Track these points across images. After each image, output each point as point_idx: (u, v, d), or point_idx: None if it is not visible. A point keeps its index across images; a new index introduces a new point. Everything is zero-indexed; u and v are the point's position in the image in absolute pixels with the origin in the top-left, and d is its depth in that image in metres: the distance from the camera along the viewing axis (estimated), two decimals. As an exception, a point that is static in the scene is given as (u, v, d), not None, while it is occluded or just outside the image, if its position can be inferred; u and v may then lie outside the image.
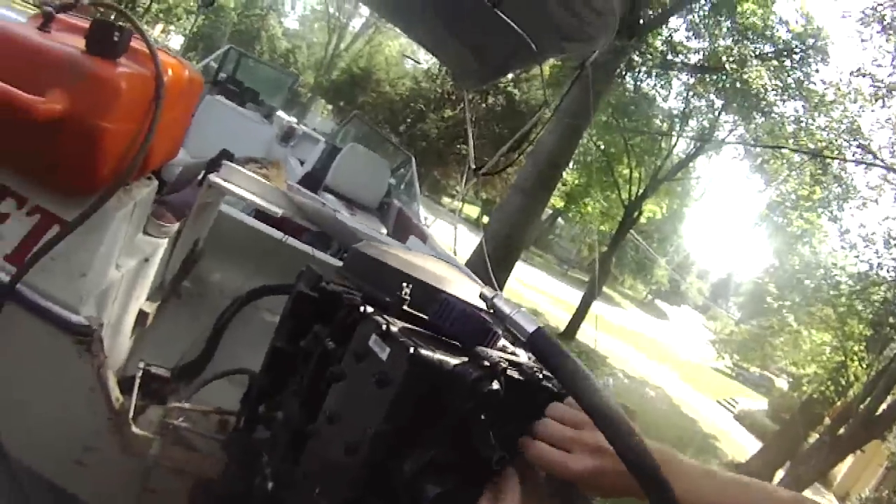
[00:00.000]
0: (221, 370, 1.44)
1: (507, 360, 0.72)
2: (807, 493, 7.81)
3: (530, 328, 0.69)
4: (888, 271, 10.59)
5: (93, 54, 1.03)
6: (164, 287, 1.79)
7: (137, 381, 1.49)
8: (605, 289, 22.38)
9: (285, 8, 35.49)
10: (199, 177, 1.68)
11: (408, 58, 26.76)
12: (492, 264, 8.97)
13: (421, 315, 0.81)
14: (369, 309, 0.80)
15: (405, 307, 0.81)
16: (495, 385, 0.66)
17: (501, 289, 10.24)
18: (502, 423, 0.68)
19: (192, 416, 1.49)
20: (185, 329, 1.67)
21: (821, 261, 12.03)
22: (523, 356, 0.85)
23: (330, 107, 29.85)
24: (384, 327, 0.71)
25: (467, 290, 0.97)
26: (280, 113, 7.80)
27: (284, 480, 0.86)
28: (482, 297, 0.79)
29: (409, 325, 0.76)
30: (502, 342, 0.84)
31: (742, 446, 13.48)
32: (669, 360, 22.25)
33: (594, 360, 13.69)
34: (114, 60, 1.05)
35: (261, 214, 1.91)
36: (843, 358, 9.81)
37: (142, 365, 1.52)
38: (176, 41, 25.68)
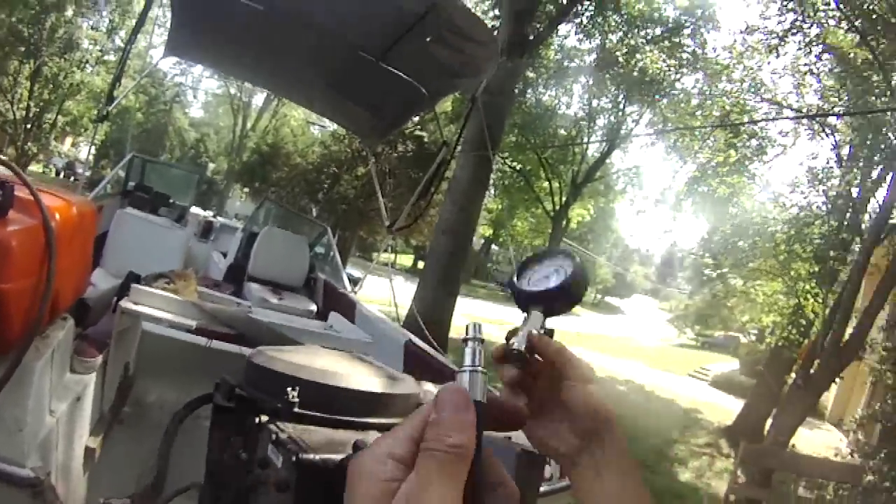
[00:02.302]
0: (176, 488, 1.44)
1: None
2: (800, 429, 7.80)
3: None
4: (817, 207, 10.81)
5: (-20, 220, 1.07)
6: (104, 418, 1.78)
7: (100, 517, 1.49)
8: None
9: (188, 98, 35.52)
10: (113, 304, 1.71)
11: (312, 124, 26.91)
12: (431, 308, 9.09)
13: (311, 413, 0.85)
14: (264, 418, 0.84)
15: (296, 409, 0.85)
16: None
17: (447, 330, 10.20)
18: None
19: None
20: (136, 453, 1.66)
21: (752, 218, 12.12)
22: None
23: (247, 189, 29.61)
24: (274, 436, 0.76)
25: (360, 379, 1.02)
26: (194, 209, 7.73)
27: None
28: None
29: (303, 426, 0.80)
30: None
31: (726, 410, 13.66)
32: (632, 351, 22.59)
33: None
34: (2, 219, 1.10)
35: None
36: (797, 300, 9.97)
37: (101, 501, 1.51)
38: (87, 151, 25.24)
